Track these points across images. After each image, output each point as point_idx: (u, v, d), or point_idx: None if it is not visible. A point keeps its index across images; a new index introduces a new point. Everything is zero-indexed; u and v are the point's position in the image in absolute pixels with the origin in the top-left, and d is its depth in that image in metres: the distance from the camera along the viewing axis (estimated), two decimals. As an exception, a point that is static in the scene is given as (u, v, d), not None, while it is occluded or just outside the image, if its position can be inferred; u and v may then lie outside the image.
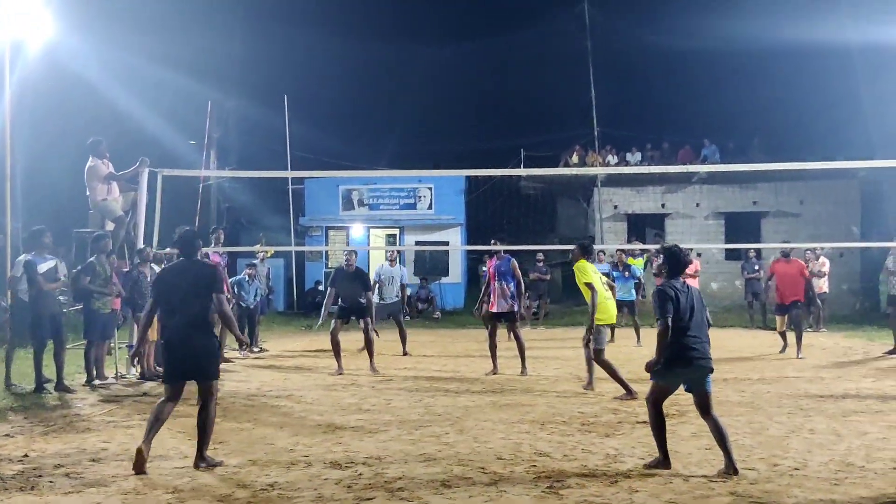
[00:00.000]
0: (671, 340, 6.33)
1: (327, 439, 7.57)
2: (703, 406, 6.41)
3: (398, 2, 41.70)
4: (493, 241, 13.09)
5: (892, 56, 23.71)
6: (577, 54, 29.41)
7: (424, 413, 8.94)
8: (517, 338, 12.23)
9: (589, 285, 10.14)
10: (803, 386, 10.67)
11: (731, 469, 6.20)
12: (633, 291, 17.08)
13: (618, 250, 18.11)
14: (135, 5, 26.49)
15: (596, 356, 10.23)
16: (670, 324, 6.34)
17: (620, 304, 16.23)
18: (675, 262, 6.68)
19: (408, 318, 23.15)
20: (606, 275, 16.03)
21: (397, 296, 15.49)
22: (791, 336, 14.35)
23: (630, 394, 9.80)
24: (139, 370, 11.81)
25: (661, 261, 6.99)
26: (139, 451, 6.35)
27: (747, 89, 32.44)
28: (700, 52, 30.09)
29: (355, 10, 39.18)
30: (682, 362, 6.35)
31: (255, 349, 15.33)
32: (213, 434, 7.30)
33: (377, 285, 15.20)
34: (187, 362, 6.62)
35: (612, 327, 14.31)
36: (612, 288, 11.01)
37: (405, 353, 14.81)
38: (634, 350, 15.06)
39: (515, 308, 12.15)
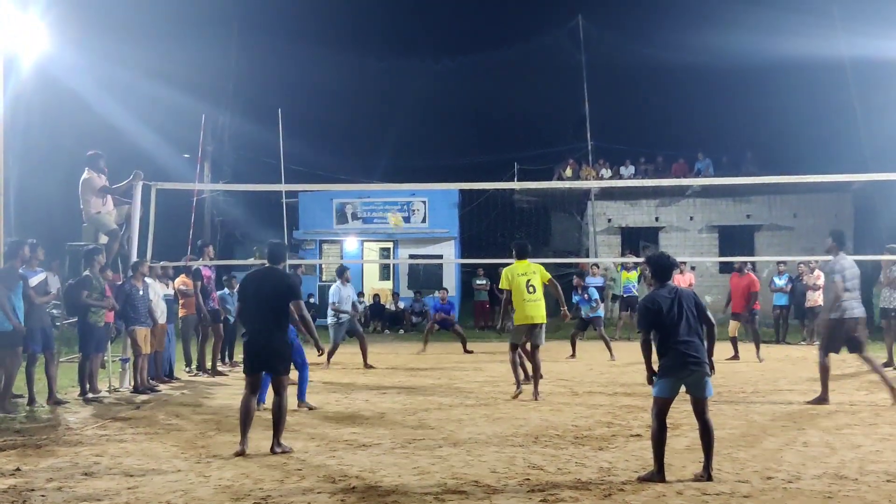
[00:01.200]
0: (663, 348, 6.44)
1: (320, 452, 7.55)
2: (699, 409, 6.53)
3: (393, 16, 41.83)
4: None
5: (884, 70, 23.87)
6: (571, 68, 29.53)
7: (418, 426, 8.92)
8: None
9: (505, 291, 11.12)
10: (797, 398, 10.67)
11: (706, 474, 6.39)
12: (597, 309, 16.91)
13: (575, 275, 18.19)
14: (129, 20, 26.62)
15: (510, 346, 11.23)
16: (649, 338, 6.52)
17: (586, 323, 16.93)
18: (658, 268, 6.78)
19: (389, 331, 23.21)
20: (585, 289, 16.42)
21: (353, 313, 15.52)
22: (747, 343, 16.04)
23: (518, 388, 10.92)
24: (133, 383, 11.84)
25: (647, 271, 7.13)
26: (239, 455, 7.34)
27: (741, 103, 32.59)
28: (694, 67, 30.21)
29: (350, 24, 39.39)
30: (676, 368, 6.41)
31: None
32: (208, 447, 7.60)
33: (337, 305, 15.21)
34: (263, 357, 7.61)
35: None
36: (555, 287, 11.54)
37: (367, 366, 14.84)
38: (610, 365, 15.22)
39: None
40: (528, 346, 11.10)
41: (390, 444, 7.87)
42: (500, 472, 6.71)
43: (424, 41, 42.04)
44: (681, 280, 21.20)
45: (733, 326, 16.25)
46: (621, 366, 14.68)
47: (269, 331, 7.56)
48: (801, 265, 19.85)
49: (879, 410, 9.66)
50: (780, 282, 20.16)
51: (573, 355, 16.38)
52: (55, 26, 16.10)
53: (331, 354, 14.80)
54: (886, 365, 14.21)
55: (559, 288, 11.70)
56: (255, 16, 37.07)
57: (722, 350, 15.36)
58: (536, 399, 10.61)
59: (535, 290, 10.90)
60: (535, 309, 10.88)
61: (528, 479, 6.49)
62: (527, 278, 10.91)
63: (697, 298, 6.68)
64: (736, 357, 15.62)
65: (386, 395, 11.44)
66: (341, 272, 15.62)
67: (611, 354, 16.00)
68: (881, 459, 7.06)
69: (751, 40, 27.57)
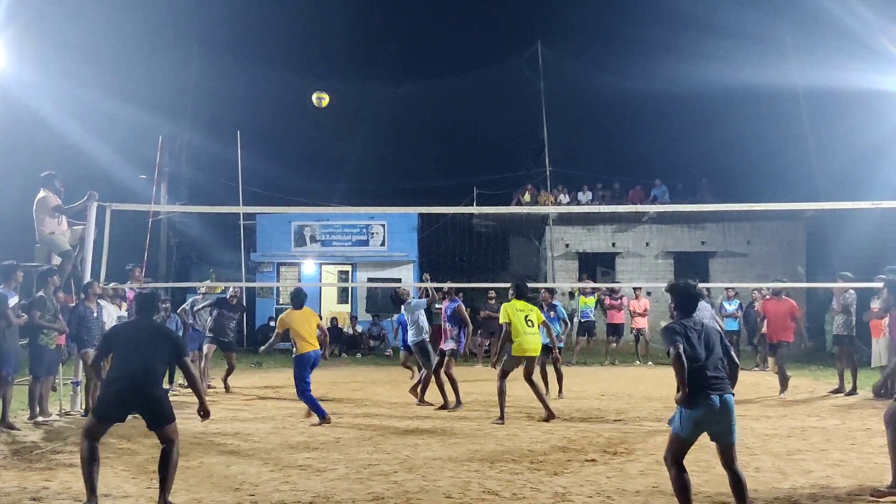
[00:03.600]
0: (689, 383, 5.79)
1: (274, 478, 7.49)
2: (728, 458, 6.00)
3: (354, 40, 41.89)
4: (424, 276, 13.69)
5: (836, 100, 24.36)
6: (530, 94, 29.77)
7: (373, 451, 8.88)
8: (448, 374, 12.76)
9: (504, 325, 11.43)
10: (749, 424, 10.76)
11: None
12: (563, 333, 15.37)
13: (545, 290, 15.97)
14: (87, 39, 26.33)
15: (501, 373, 11.51)
16: (681, 351, 5.76)
17: (548, 350, 13.47)
18: (683, 298, 6.21)
19: (347, 355, 22.52)
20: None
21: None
22: None
23: (502, 419, 10.96)
24: (84, 406, 11.66)
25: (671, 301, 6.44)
26: None
27: (697, 131, 32.95)
28: (651, 94, 30.61)
29: (310, 46, 39.30)
30: (703, 408, 5.82)
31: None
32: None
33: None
34: (129, 405, 6.68)
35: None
36: (547, 327, 12.10)
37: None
38: (565, 389, 14.69)
39: (456, 348, 12.89)
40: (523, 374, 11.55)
41: (345, 470, 7.83)
42: (455, 498, 6.70)
43: (385, 65, 42.11)
44: (636, 305, 21.43)
45: (773, 361, 14.88)
46: (577, 391, 14.70)
47: (142, 384, 6.60)
48: (755, 291, 20.10)
49: (830, 436, 9.79)
50: (731, 307, 20.40)
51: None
52: (11, 44, 15.96)
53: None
54: (837, 391, 14.42)
55: (552, 331, 12.29)
56: (215, 36, 36.98)
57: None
58: (549, 420, 11.04)
59: (533, 325, 11.41)
60: (532, 342, 11.38)
61: (483, 505, 6.49)
62: (524, 314, 11.39)
63: (724, 338, 6.14)
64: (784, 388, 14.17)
65: (342, 419, 11.38)
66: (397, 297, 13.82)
67: (559, 391, 14.05)
68: (832, 485, 7.16)
69: (707, 69, 27.97)
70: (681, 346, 5.76)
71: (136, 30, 28.93)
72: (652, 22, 34.54)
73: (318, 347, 11.38)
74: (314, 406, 11.14)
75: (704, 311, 10.74)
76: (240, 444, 9.36)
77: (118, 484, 7.21)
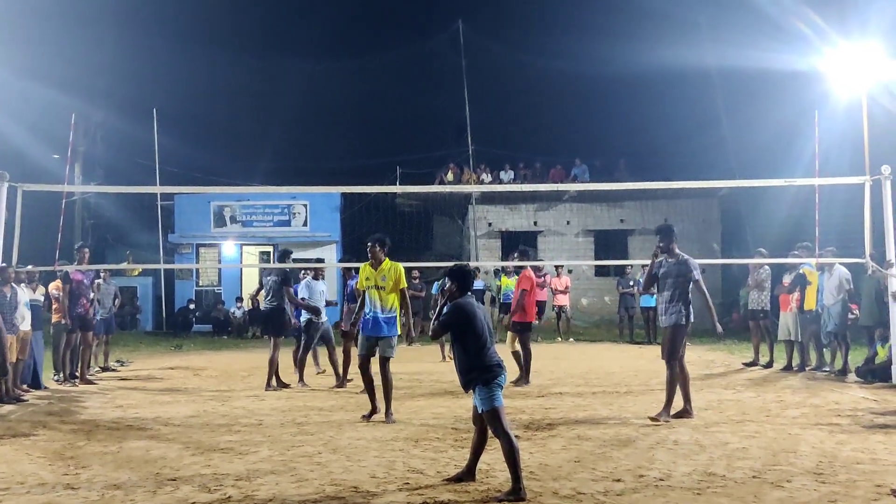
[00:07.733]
0: (481, 356, 6.39)
1: (196, 461, 7.37)
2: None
3: (273, 16, 41.33)
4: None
5: (750, 81, 24.93)
6: (452, 73, 29.80)
7: (297, 432, 8.81)
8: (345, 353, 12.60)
9: (403, 291, 9.88)
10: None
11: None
12: None
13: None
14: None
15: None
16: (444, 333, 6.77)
17: None
18: (463, 279, 6.70)
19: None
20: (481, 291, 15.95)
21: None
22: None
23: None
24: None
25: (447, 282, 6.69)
26: None
27: (615, 111, 33.49)
28: (571, 75, 30.97)
29: (229, 22, 38.67)
30: (499, 372, 6.39)
31: (96, 369, 15.05)
32: (77, 458, 7.29)
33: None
34: None
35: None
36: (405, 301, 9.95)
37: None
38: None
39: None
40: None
41: (268, 452, 7.75)
42: (380, 477, 6.68)
43: (305, 42, 41.64)
44: (557, 283, 21.64)
45: (510, 338, 12.84)
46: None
47: None
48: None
49: (745, 409, 10.05)
50: (646, 284, 20.74)
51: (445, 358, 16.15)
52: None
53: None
54: (752, 364, 14.81)
55: (408, 304, 10.09)
56: (128, 14, 36.03)
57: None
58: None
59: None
60: None
61: (408, 484, 6.49)
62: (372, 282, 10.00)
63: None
64: (516, 382, 12.25)
65: (265, 401, 11.27)
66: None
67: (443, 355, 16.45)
68: (747, 456, 7.33)
69: (626, 50, 28.42)
70: (447, 332, 6.65)
71: (46, 6, 27.99)
72: (571, 3, 34.86)
73: None
74: None
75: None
76: (160, 428, 9.20)
77: (34, 471, 7.00)
